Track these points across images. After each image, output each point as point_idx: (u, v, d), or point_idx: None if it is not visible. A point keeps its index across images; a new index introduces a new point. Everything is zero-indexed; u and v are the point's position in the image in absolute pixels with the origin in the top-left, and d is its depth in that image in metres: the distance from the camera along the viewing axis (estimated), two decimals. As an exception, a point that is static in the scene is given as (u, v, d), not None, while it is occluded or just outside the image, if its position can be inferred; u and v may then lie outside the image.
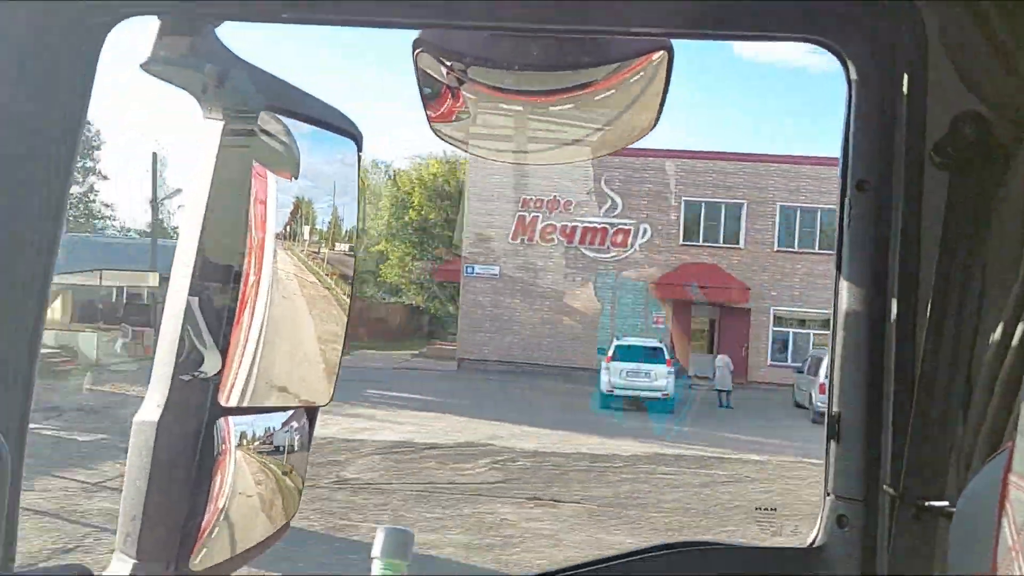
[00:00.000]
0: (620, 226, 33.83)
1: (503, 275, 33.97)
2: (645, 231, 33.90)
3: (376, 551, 1.55)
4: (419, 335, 47.87)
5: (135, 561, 1.10)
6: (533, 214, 33.94)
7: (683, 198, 33.77)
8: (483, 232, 34.28)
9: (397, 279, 51.48)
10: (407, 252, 51.32)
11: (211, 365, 1.12)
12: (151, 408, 1.11)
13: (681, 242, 33.95)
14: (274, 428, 1.26)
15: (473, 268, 34.27)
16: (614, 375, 25.58)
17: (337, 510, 13.33)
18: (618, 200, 33.72)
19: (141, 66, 1.10)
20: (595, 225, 33.90)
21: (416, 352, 38.95)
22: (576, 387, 28.40)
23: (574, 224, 33.84)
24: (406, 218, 52.09)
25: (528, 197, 33.77)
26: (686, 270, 32.85)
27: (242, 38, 1.16)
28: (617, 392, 25.41)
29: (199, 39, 1.11)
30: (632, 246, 33.94)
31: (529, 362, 31.77)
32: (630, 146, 1.53)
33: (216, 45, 1.13)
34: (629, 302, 33.40)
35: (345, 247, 1.30)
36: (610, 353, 26.20)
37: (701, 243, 33.46)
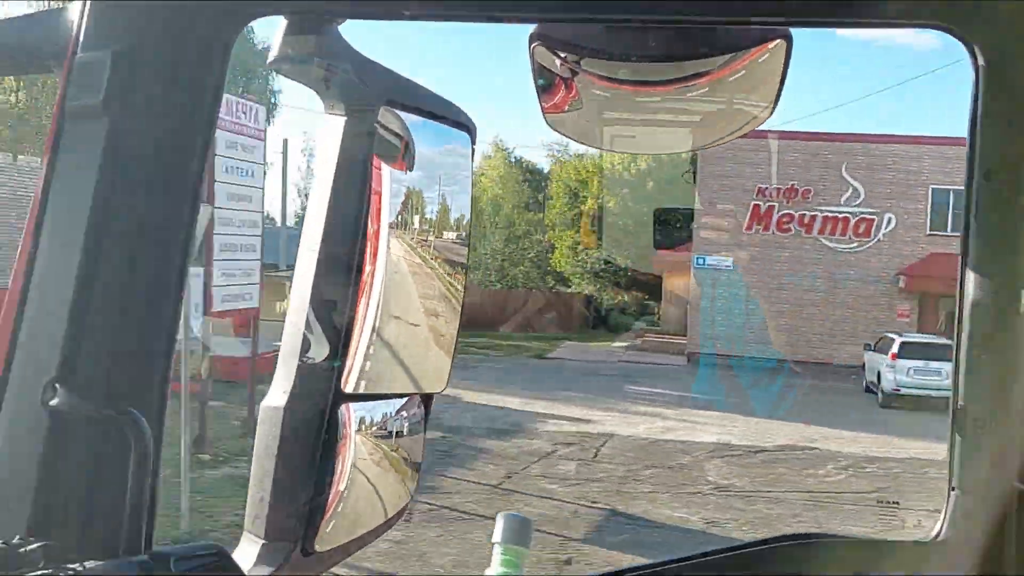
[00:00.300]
0: (863, 215, 32.44)
1: (737, 266, 32.98)
2: (889, 220, 32.42)
3: (496, 537, 1.59)
4: (599, 325, 47.34)
5: (263, 541, 1.15)
6: (769, 203, 32.83)
7: (931, 186, 32.14)
8: (715, 222, 33.32)
9: (569, 268, 51.19)
10: (578, 241, 50.95)
11: (332, 353, 1.16)
12: (278, 394, 1.17)
13: (928, 232, 32.38)
14: (391, 414, 1.29)
15: (704, 259, 33.35)
16: (900, 373, 24.54)
17: (755, 520, 12.81)
18: (860, 188, 32.31)
19: (269, 64, 1.15)
20: (835, 214, 32.63)
21: (627, 344, 38.34)
22: (826, 383, 27.32)
23: (813, 213, 32.61)
24: (583, 207, 51.75)
25: (764, 186, 32.65)
26: (934, 261, 31.26)
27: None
28: (904, 391, 24.40)
29: (324, 37, 1.14)
30: (875, 236, 32.51)
31: (765, 356, 30.73)
32: (742, 134, 1.50)
33: (339, 42, 1.16)
34: (870, 294, 32.08)
35: (456, 236, 1.33)
36: (894, 350, 25.14)
37: (949, 233, 31.73)
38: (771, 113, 1.40)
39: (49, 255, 1.07)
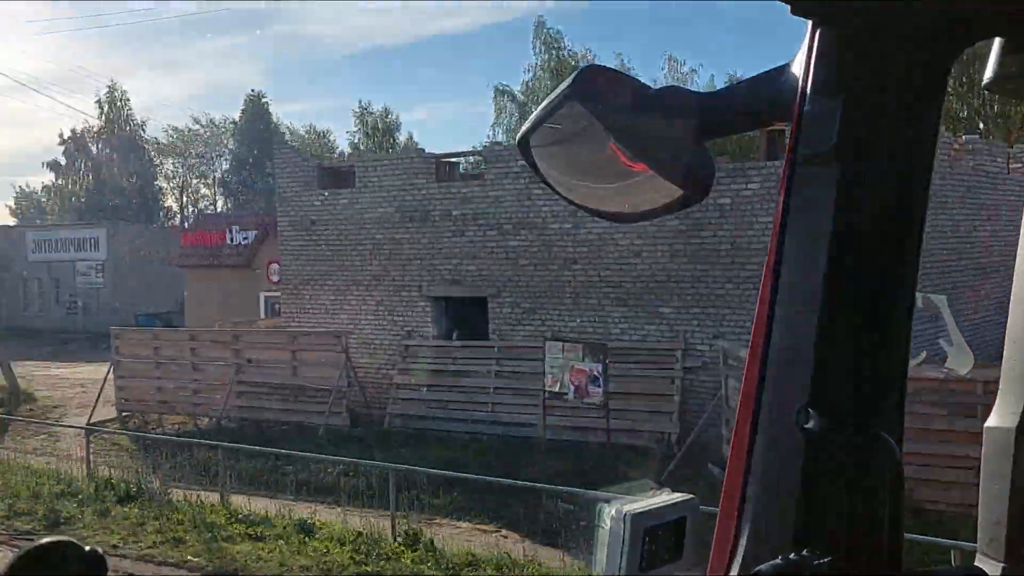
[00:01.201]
0: None
1: None
2: None
3: None
4: None
5: (1003, 564, 1.15)
6: None
7: None
8: None
9: None
10: None
11: None
12: (1005, 414, 1.17)
13: None
14: None
15: None
16: None
17: None
18: None
19: (985, 86, 1.15)
20: None
21: None
22: None
23: None
24: None
25: None
26: None
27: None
28: None
29: None
30: None
31: None
32: None
33: None
34: None
35: None
36: None
37: None
38: None
39: (790, 288, 1.15)
